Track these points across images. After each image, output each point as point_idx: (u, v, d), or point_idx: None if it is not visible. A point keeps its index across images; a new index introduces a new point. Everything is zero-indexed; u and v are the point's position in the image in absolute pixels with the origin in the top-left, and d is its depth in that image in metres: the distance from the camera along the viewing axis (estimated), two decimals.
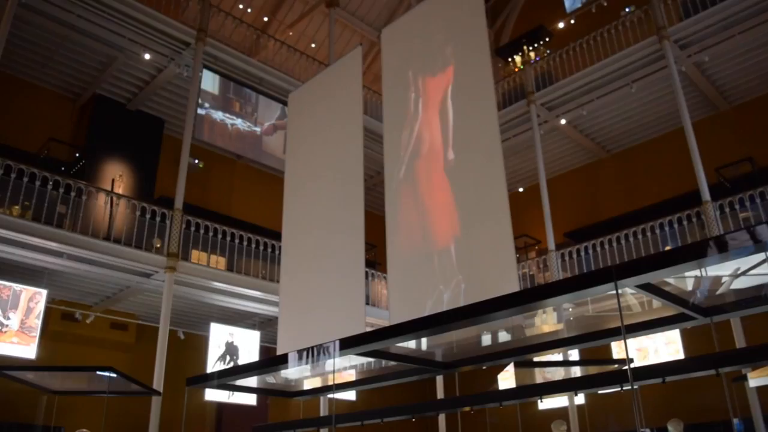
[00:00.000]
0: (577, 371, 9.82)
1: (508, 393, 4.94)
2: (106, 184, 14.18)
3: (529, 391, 4.33)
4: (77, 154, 14.92)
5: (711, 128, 15.91)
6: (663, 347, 12.20)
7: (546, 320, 7.00)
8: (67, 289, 13.37)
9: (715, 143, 15.28)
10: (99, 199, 12.40)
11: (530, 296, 3.02)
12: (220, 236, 13.61)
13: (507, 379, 10.09)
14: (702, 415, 11.19)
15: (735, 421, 9.32)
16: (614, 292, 2.93)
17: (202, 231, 13.30)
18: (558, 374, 9.91)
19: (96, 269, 12.21)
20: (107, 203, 12.53)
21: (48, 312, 12.33)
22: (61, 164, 14.34)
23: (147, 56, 14.36)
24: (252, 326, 14.81)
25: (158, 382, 11.23)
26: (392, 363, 4.42)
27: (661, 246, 13.08)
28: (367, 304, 14.18)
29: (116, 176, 14.81)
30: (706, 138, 14.51)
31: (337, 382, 5.26)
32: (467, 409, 4.38)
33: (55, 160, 14.28)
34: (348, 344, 3.68)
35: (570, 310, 7.70)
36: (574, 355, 12.65)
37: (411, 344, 4.36)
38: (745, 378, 9.88)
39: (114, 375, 9.10)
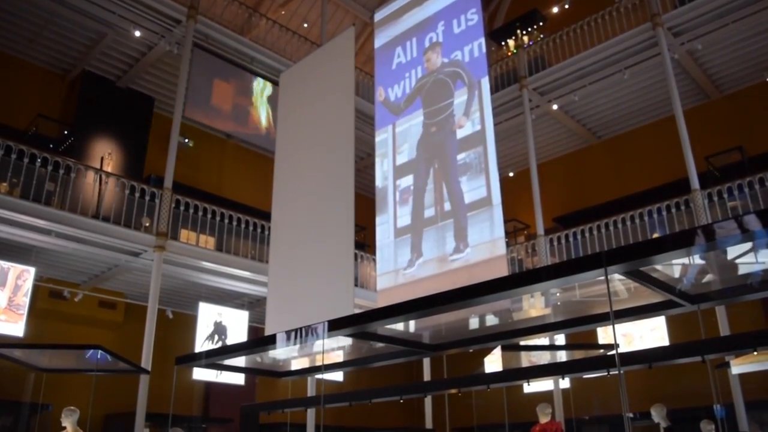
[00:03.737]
0: (563, 356, 9.92)
1: (495, 376, 4.99)
2: (95, 162, 14.08)
3: (516, 374, 4.36)
4: (66, 132, 14.79)
5: (702, 116, 15.96)
6: (648, 333, 12.31)
7: (534, 305, 7.04)
8: (56, 267, 13.31)
9: (706, 132, 15.35)
10: (88, 177, 12.32)
11: (520, 281, 3.03)
12: (209, 216, 13.56)
13: (494, 363, 10.15)
14: (684, 401, 11.33)
15: (717, 407, 9.44)
16: (603, 278, 2.95)
17: (191, 210, 13.25)
18: (544, 358, 9.99)
19: (84, 247, 12.16)
20: (96, 181, 12.45)
21: (36, 290, 12.28)
22: (50, 141, 14.21)
23: (137, 33, 14.21)
24: (240, 306, 14.82)
25: (146, 361, 11.24)
26: (380, 345, 4.45)
27: (649, 233, 13.16)
28: (356, 285, 14.21)
29: (105, 154, 14.71)
30: (697, 126, 14.57)
31: (325, 362, 5.28)
32: (454, 391, 4.41)
33: (43, 137, 14.15)
34: (337, 326, 3.69)
35: (558, 294, 7.76)
36: (560, 339, 12.76)
37: (399, 326, 4.38)
38: (728, 365, 10.00)
39: (102, 353, 9.09)
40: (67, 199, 11.76)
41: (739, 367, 9.79)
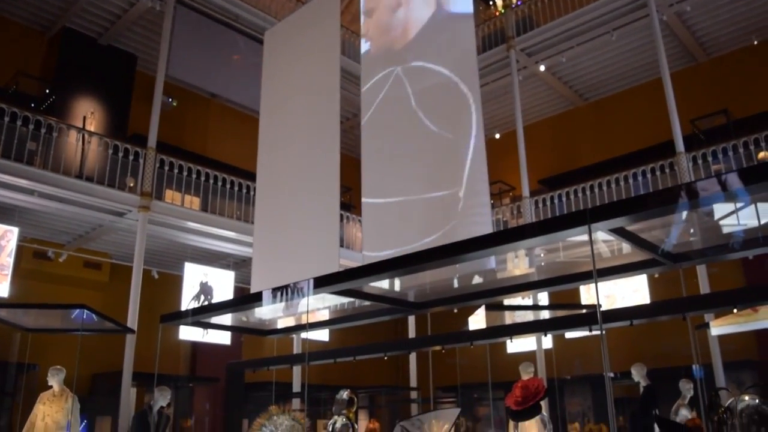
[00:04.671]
0: (546, 316, 10.04)
1: (479, 333, 5.05)
2: (77, 121, 13.88)
3: (500, 331, 4.41)
4: (47, 90, 14.54)
5: (688, 79, 15.97)
6: (631, 294, 12.47)
7: (518, 265, 7.10)
8: (39, 228, 13.22)
9: (692, 94, 15.37)
10: (70, 136, 12.17)
11: (505, 237, 3.05)
12: (194, 176, 13.48)
13: (478, 322, 10.28)
14: (664, 361, 11.54)
15: (695, 367, 9.63)
16: (587, 236, 2.96)
17: (176, 170, 13.16)
18: (527, 318, 10.12)
19: (68, 207, 12.07)
20: (78, 140, 12.30)
21: (20, 250, 12.21)
22: (31, 99, 13.97)
23: None
24: (226, 267, 14.84)
25: (132, 321, 11.26)
26: (365, 303, 4.48)
27: (634, 195, 13.27)
28: (342, 246, 14.24)
29: (87, 113, 14.50)
30: (683, 89, 14.57)
31: (310, 321, 5.32)
32: (438, 348, 4.47)
33: (24, 95, 13.91)
34: (322, 283, 3.70)
35: (542, 255, 7.83)
36: (543, 300, 12.92)
37: (384, 284, 4.41)
38: (707, 326, 10.18)
39: (87, 312, 9.08)
40: (49, 158, 11.63)
41: (718, 328, 9.98)
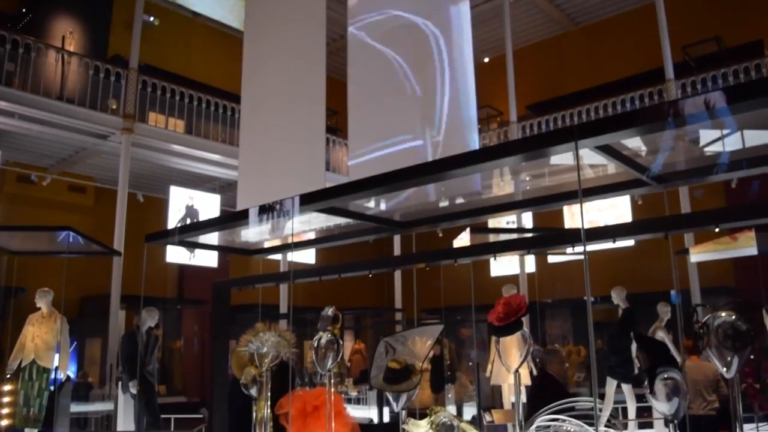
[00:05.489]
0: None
1: (463, 250, 5.11)
2: (56, 41, 13.50)
3: (484, 249, 4.46)
4: (24, 9, 14.07)
5: (681, 4, 15.68)
6: (614, 221, 12.60)
7: (503, 188, 7.12)
8: (21, 151, 13.04)
9: (684, 21, 15.11)
10: (49, 56, 11.86)
11: (491, 154, 3.04)
12: (177, 98, 13.26)
13: (462, 245, 10.38)
14: (644, 286, 11.77)
15: (673, 292, 9.85)
16: (573, 155, 2.96)
17: (159, 92, 12.93)
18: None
19: (50, 130, 11.88)
20: (58, 61, 11.99)
21: (2, 174, 12.10)
22: (7, 18, 13.54)
23: None
24: (212, 190, 14.79)
25: (119, 244, 11.29)
26: (351, 222, 4.50)
27: None
28: (328, 170, 14.21)
29: (66, 33, 14.08)
30: (676, 15, 14.32)
31: (296, 242, 5.35)
32: (422, 266, 4.52)
33: None
34: (308, 200, 3.71)
35: (527, 179, 7.85)
36: (528, 225, 13.05)
37: (370, 204, 4.42)
38: (686, 252, 10.36)
39: (72, 234, 9.07)
40: (28, 80, 11.37)
41: (697, 255, 10.16)
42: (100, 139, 12.49)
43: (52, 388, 8.45)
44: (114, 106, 12.31)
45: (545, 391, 3.54)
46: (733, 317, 2.72)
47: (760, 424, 6.96)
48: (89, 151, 13.13)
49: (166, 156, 13.41)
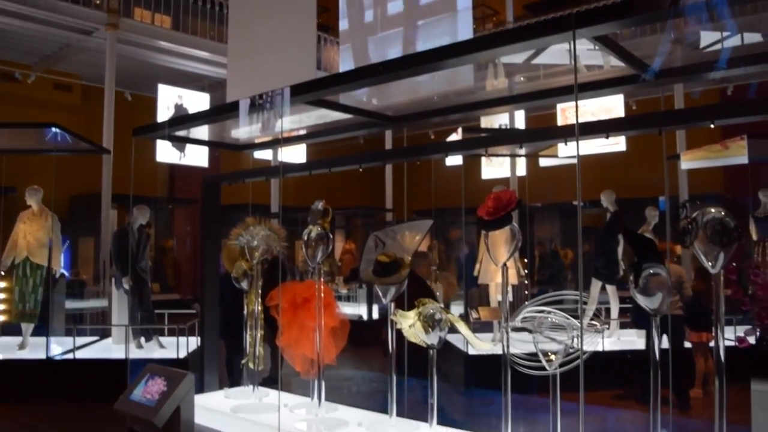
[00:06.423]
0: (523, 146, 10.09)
1: (455, 144, 5.07)
2: None
3: (476, 143, 4.42)
4: None
5: None
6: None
7: (497, 87, 7.04)
8: (3, 48, 12.71)
9: None
10: None
11: (484, 43, 2.95)
12: None
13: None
14: (633, 191, 11.85)
15: (661, 198, 9.91)
16: (569, 46, 2.88)
17: None
18: (504, 148, 10.21)
19: (32, 25, 11.53)
20: None
21: None
22: None
23: None
24: (201, 89, 14.53)
25: (107, 142, 11.19)
26: (343, 117, 4.44)
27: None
28: (319, 69, 13.95)
29: None
30: None
31: (286, 136, 5.29)
32: (414, 160, 4.49)
33: None
34: (299, 91, 3.63)
35: (521, 80, 7.75)
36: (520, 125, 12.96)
37: (362, 98, 4.36)
38: (677, 157, 10.36)
39: (61, 133, 8.96)
40: None
41: (687, 162, 10.17)
42: (84, 35, 12.14)
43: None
44: (98, 1, 11.90)
45: (410, 287, 3.66)
46: (723, 213, 2.73)
47: (738, 325, 7.18)
48: (74, 48, 12.79)
49: (153, 53, 13.09)
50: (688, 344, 7.44)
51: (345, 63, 5.36)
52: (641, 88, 3.95)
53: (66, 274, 11.31)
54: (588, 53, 3.56)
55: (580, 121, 3.27)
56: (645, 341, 7.37)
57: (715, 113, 3.25)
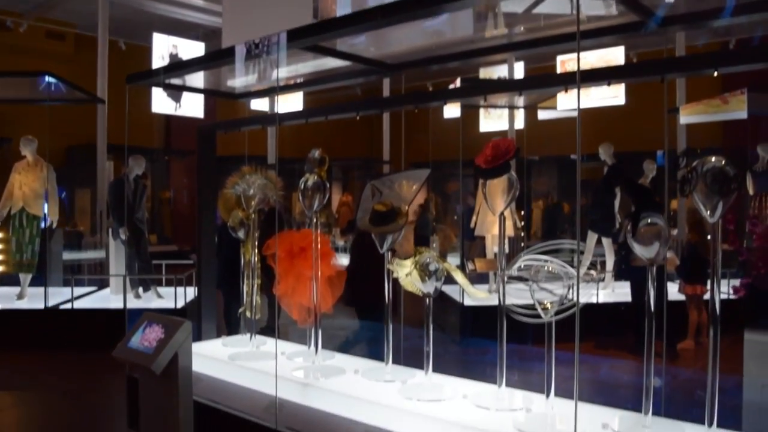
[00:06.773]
0: (521, 98, 9.98)
1: (454, 92, 5.00)
2: None
3: (474, 90, 4.35)
4: None
5: None
6: (607, 91, 12.35)
7: (497, 36, 6.91)
8: None
9: None
10: None
11: None
12: None
13: (453, 102, 10.23)
14: (632, 145, 11.79)
15: (659, 153, 9.87)
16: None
17: None
18: (502, 99, 10.11)
19: None
20: None
21: None
22: None
23: None
24: (196, 38, 14.28)
25: (102, 91, 11.04)
26: (340, 65, 4.38)
27: None
28: (315, 18, 13.69)
29: None
30: None
31: (283, 84, 5.22)
32: (411, 108, 4.42)
33: None
34: (295, 35, 3.56)
35: (521, 30, 7.61)
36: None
37: (360, 46, 4.28)
38: (677, 111, 10.28)
39: (55, 82, 8.84)
40: None
41: (687, 116, 10.09)
42: None
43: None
44: None
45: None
46: (723, 162, 2.71)
47: (732, 278, 7.22)
48: None
49: (148, 0, 12.83)
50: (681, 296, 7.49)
51: (342, 9, 5.24)
52: (643, 38, 3.88)
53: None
54: (590, 3, 3.48)
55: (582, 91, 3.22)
56: (631, 293, 7.46)
57: (718, 60, 3.20)
